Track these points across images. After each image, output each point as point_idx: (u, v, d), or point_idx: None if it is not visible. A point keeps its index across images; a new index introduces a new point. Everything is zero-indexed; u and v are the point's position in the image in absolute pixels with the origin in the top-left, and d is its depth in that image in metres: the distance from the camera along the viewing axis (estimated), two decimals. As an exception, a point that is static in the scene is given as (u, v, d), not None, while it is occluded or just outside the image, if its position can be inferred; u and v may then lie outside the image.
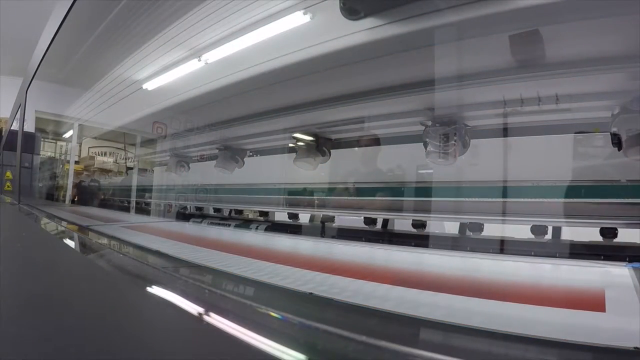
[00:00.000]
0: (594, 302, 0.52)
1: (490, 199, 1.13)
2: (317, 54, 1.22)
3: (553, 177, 1.03)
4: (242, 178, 2.13)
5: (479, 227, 1.19)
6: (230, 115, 2.08)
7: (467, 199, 1.18)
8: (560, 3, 0.79)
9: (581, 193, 0.98)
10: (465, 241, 1.17)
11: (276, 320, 0.41)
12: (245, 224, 1.97)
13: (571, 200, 0.99)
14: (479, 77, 1.08)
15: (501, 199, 1.11)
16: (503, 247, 1.08)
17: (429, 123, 1.27)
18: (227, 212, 2.27)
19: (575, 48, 0.95)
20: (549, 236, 1.10)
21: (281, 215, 1.93)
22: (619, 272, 0.72)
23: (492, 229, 1.19)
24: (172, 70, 1.96)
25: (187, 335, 0.38)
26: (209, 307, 0.47)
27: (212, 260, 0.84)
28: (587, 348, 0.35)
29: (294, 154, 1.82)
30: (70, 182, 3.73)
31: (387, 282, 0.65)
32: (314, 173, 1.75)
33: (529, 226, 1.09)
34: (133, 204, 2.98)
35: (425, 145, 1.26)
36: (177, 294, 0.53)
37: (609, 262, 0.81)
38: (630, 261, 0.80)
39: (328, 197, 1.66)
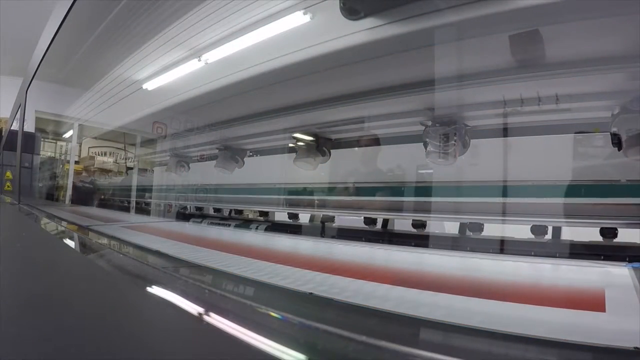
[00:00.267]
0: (594, 302, 0.52)
1: (489, 199, 1.14)
2: (317, 54, 1.22)
3: (552, 177, 1.03)
4: (242, 178, 2.13)
5: (479, 227, 1.20)
6: (229, 115, 2.08)
7: (465, 199, 1.18)
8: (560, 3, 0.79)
9: (580, 193, 0.98)
10: (465, 241, 1.18)
11: (276, 320, 0.41)
12: (245, 224, 1.97)
13: (570, 200, 0.99)
14: (478, 77, 1.08)
15: (500, 199, 1.11)
16: (502, 247, 1.08)
17: (429, 123, 1.27)
18: (227, 212, 2.27)
19: (574, 48, 0.95)
20: (549, 236, 1.10)
21: (281, 215, 1.93)
22: (619, 272, 0.72)
23: (492, 229, 1.19)
24: (172, 71, 1.97)
25: (187, 335, 0.38)
26: (209, 307, 0.47)
27: (212, 260, 0.84)
28: (587, 348, 0.35)
29: (293, 154, 1.82)
30: (70, 182, 3.73)
31: (386, 282, 0.65)
32: (314, 173, 1.75)
33: (529, 226, 1.10)
34: (133, 204, 2.98)
35: (425, 145, 1.26)
36: (177, 294, 0.53)
37: (609, 262, 0.81)
38: (630, 261, 0.80)
39: (327, 197, 1.66)
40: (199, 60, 1.75)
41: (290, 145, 1.90)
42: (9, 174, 4.20)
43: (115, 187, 3.62)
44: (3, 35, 4.18)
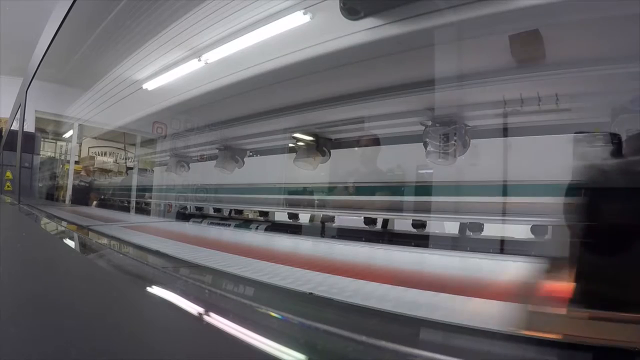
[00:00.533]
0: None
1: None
2: (316, 54, 1.23)
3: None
4: (242, 178, 2.14)
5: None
6: (229, 115, 2.08)
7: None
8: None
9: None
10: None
11: (276, 320, 0.41)
12: (245, 223, 1.97)
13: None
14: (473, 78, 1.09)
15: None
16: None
17: (429, 123, 1.27)
18: (227, 212, 2.27)
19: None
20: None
21: (281, 215, 1.93)
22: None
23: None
24: (171, 71, 1.97)
25: (187, 335, 0.38)
26: (209, 307, 0.47)
27: (211, 260, 0.84)
28: (587, 348, 0.35)
29: (293, 154, 1.82)
30: (70, 182, 3.73)
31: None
32: (313, 173, 1.76)
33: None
34: (133, 204, 2.98)
35: (425, 145, 1.27)
36: (177, 294, 0.53)
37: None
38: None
39: (326, 197, 1.67)
40: (199, 60, 1.75)
41: (290, 145, 1.90)
42: (9, 174, 4.20)
43: (115, 187, 3.62)
44: (3, 35, 4.18)
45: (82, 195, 3.72)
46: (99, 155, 4.76)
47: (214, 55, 1.69)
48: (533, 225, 1.09)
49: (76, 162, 4.18)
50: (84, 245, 1.10)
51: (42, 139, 4.68)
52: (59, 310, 0.45)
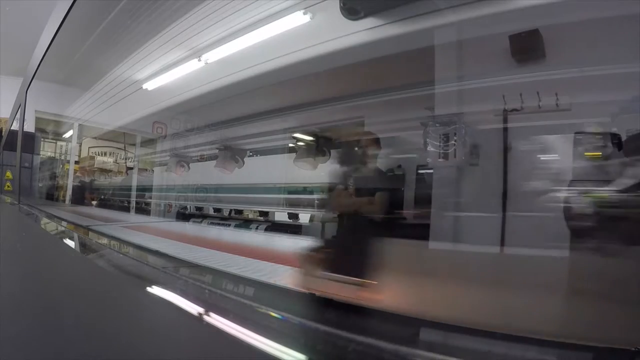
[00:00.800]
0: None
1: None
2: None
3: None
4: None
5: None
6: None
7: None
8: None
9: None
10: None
11: (276, 320, 0.41)
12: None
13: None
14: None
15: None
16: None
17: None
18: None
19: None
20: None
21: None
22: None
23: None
24: (171, 70, 1.97)
25: (187, 335, 0.38)
26: (209, 307, 0.47)
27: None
28: (587, 348, 0.35)
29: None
30: (70, 182, 3.73)
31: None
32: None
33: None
34: (133, 204, 2.98)
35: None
36: (177, 294, 0.52)
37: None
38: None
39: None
40: (199, 60, 1.75)
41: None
42: (9, 174, 4.19)
43: (115, 187, 3.62)
44: (3, 35, 4.17)
45: (82, 195, 3.72)
46: (99, 155, 4.76)
47: (213, 55, 1.70)
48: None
49: (76, 162, 4.17)
50: (84, 245, 1.10)
51: (42, 139, 4.68)
52: (59, 310, 0.45)
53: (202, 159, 2.55)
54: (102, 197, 3.60)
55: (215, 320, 0.42)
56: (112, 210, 3.01)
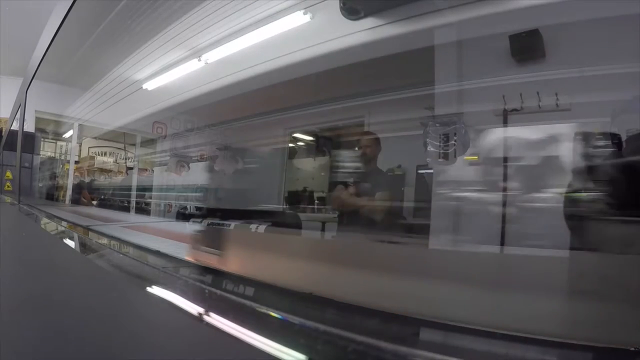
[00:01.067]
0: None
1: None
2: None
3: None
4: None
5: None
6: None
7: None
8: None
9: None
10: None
11: (275, 320, 0.41)
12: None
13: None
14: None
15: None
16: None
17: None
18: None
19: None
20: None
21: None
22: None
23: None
24: (171, 70, 1.97)
25: (187, 335, 0.38)
26: (209, 307, 0.47)
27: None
28: (587, 348, 0.35)
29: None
30: (70, 182, 3.73)
31: None
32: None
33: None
34: (133, 204, 2.98)
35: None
36: (177, 294, 0.52)
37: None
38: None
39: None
40: (199, 60, 1.75)
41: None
42: (9, 174, 4.19)
43: (115, 187, 3.62)
44: (3, 35, 4.17)
45: (82, 195, 3.72)
46: (99, 155, 4.76)
47: (213, 55, 1.70)
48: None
49: (76, 162, 4.17)
50: (84, 245, 1.10)
51: (42, 139, 4.68)
52: (59, 310, 0.45)
53: (202, 158, 2.56)
54: (102, 197, 3.61)
55: (215, 320, 0.42)
56: (112, 210, 3.02)
